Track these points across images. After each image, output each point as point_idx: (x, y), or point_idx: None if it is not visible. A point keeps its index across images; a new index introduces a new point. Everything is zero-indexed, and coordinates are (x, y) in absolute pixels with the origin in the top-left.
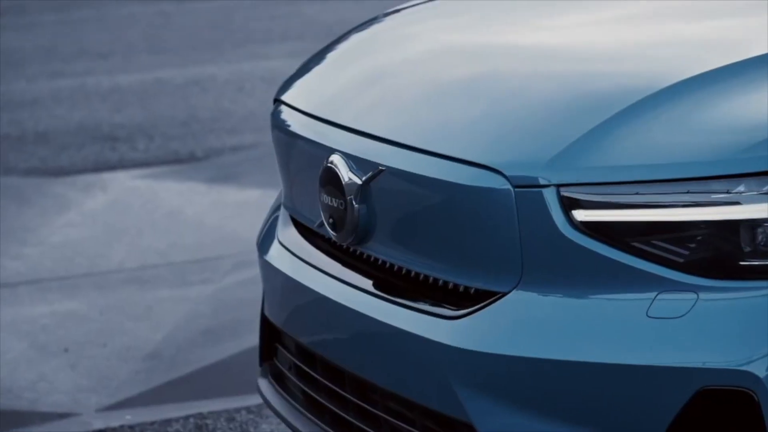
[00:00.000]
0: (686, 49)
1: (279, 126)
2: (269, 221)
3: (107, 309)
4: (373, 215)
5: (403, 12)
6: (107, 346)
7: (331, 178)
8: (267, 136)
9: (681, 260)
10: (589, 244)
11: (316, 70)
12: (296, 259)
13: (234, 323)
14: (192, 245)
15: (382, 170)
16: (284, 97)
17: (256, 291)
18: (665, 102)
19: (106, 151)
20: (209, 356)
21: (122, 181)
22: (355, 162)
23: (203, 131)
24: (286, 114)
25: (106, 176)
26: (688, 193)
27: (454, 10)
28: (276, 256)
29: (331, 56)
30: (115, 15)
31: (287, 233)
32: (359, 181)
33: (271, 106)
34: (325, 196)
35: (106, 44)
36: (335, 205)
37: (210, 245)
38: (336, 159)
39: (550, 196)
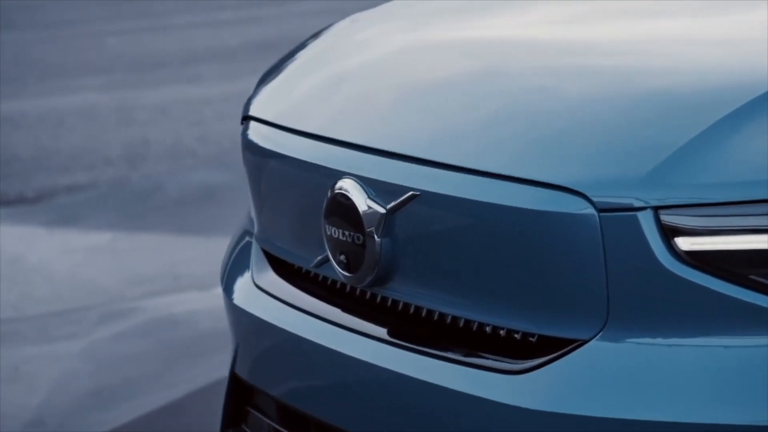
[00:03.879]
0: None
1: (254, 147)
2: (233, 257)
3: None
4: (399, 250)
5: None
6: None
7: (341, 207)
8: (103, 175)
9: None
10: (696, 278)
11: (296, 80)
12: (282, 304)
13: (126, 382)
14: (46, 296)
15: (415, 195)
16: (259, 114)
17: (138, 346)
18: None
19: None
20: (108, 420)
21: None
22: (374, 187)
23: (28, 171)
24: (265, 133)
25: None
26: None
27: (449, 6)
28: (252, 301)
29: (308, 61)
30: None
31: (265, 273)
32: (382, 210)
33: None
34: (332, 228)
35: None
36: (349, 239)
37: (67, 296)
38: (348, 184)
39: (646, 222)
